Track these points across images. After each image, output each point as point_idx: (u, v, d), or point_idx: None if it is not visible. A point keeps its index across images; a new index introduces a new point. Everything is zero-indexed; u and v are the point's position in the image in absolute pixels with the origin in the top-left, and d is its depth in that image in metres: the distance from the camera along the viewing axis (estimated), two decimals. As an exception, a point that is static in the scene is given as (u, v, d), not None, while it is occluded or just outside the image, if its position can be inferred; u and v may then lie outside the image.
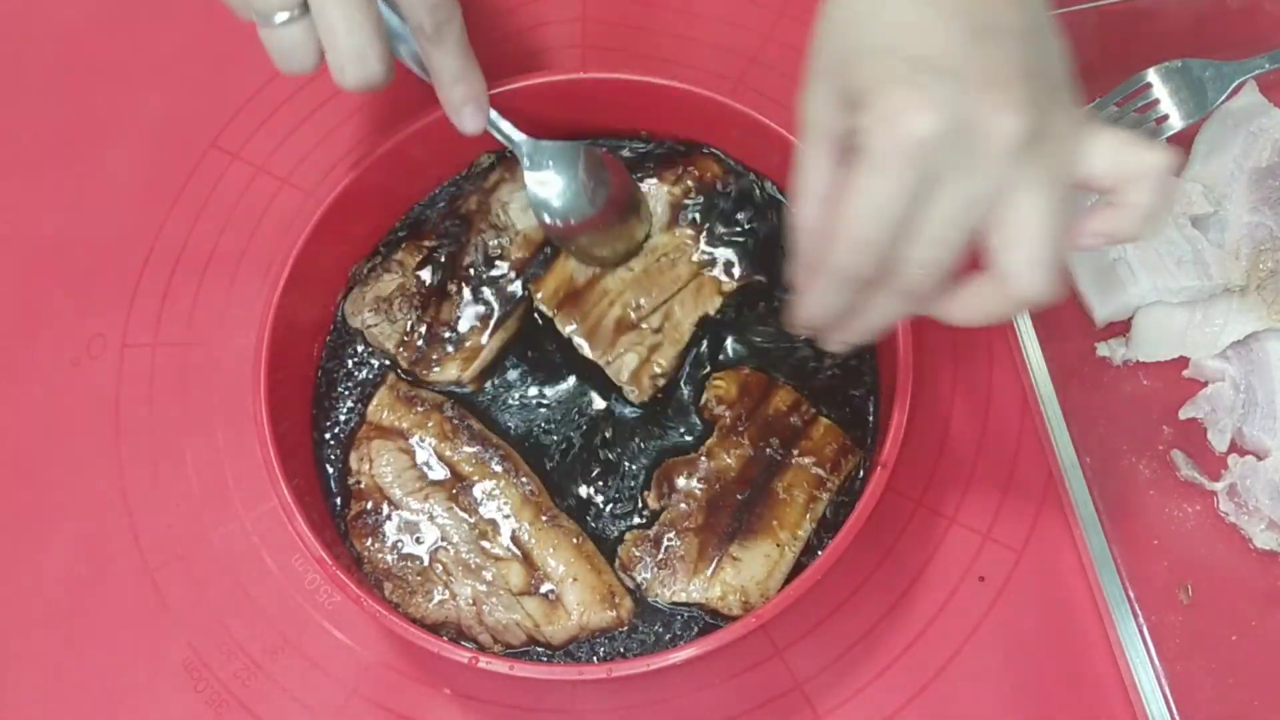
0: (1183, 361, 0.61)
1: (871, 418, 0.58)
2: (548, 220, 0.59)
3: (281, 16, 0.48)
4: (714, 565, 0.54)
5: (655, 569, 0.55)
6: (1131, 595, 0.54)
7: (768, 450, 0.56)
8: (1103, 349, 0.62)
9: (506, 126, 0.58)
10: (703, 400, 0.58)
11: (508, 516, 0.56)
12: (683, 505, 0.55)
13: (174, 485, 0.62)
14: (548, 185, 0.58)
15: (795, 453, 0.56)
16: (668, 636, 0.55)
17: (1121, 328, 0.62)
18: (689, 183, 0.62)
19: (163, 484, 0.62)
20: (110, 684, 0.58)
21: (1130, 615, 0.53)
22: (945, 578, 0.58)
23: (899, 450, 0.53)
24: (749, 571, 0.54)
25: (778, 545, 0.54)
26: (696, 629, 0.55)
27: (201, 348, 0.65)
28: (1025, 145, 0.39)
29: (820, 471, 0.55)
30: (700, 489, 0.56)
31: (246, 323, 0.65)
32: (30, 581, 0.60)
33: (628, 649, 0.55)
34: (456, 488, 0.57)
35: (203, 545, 0.60)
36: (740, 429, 0.57)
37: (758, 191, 0.63)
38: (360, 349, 0.61)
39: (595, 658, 0.55)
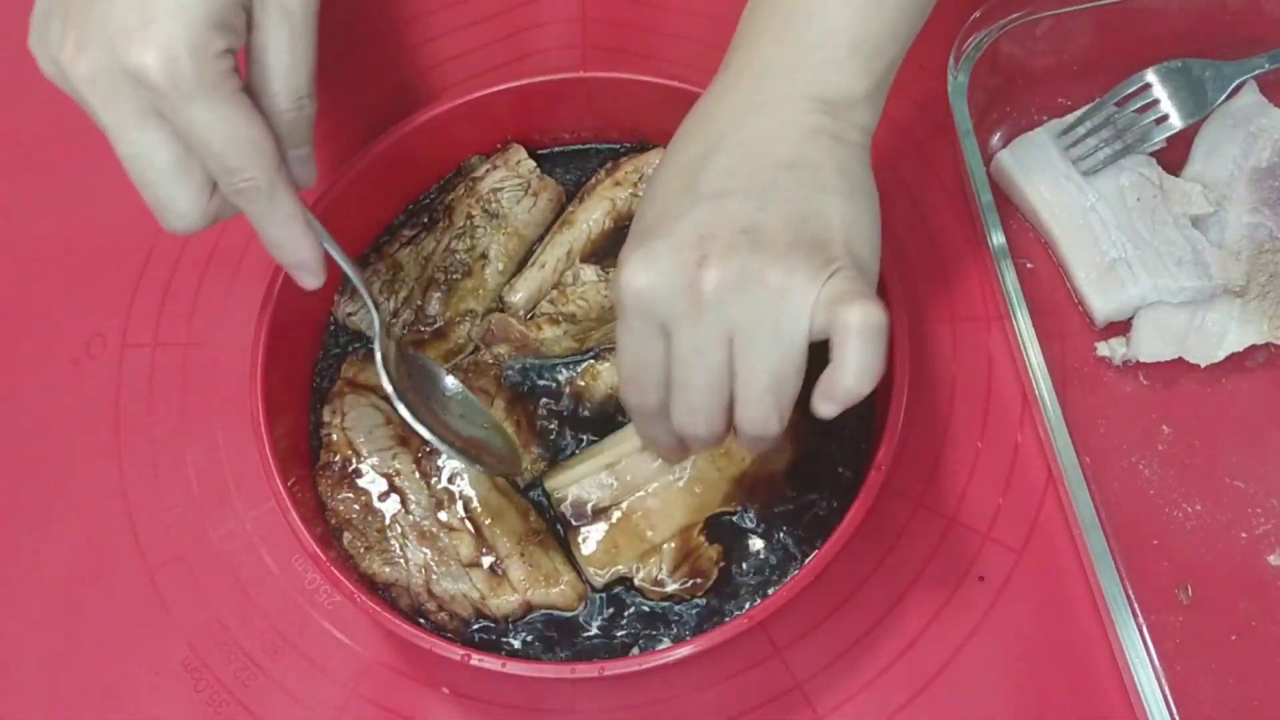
0: (1182, 362, 0.61)
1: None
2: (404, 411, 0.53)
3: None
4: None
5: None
6: (1131, 595, 0.54)
7: None
8: (1103, 349, 0.62)
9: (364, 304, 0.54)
10: None
11: (465, 485, 0.57)
12: None
13: (174, 485, 0.62)
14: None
15: None
16: (649, 632, 0.55)
17: (1121, 328, 0.62)
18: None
19: (163, 484, 0.62)
20: (110, 684, 0.58)
21: (1130, 615, 0.53)
22: (945, 578, 0.58)
23: (896, 451, 0.53)
24: None
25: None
26: (682, 626, 0.55)
27: (201, 348, 0.65)
28: (728, 291, 0.42)
29: None
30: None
31: (246, 323, 0.65)
32: (30, 581, 0.60)
33: (577, 636, 0.55)
34: (421, 451, 0.58)
35: (203, 545, 0.60)
36: None
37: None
38: (359, 347, 0.61)
39: (557, 644, 0.55)
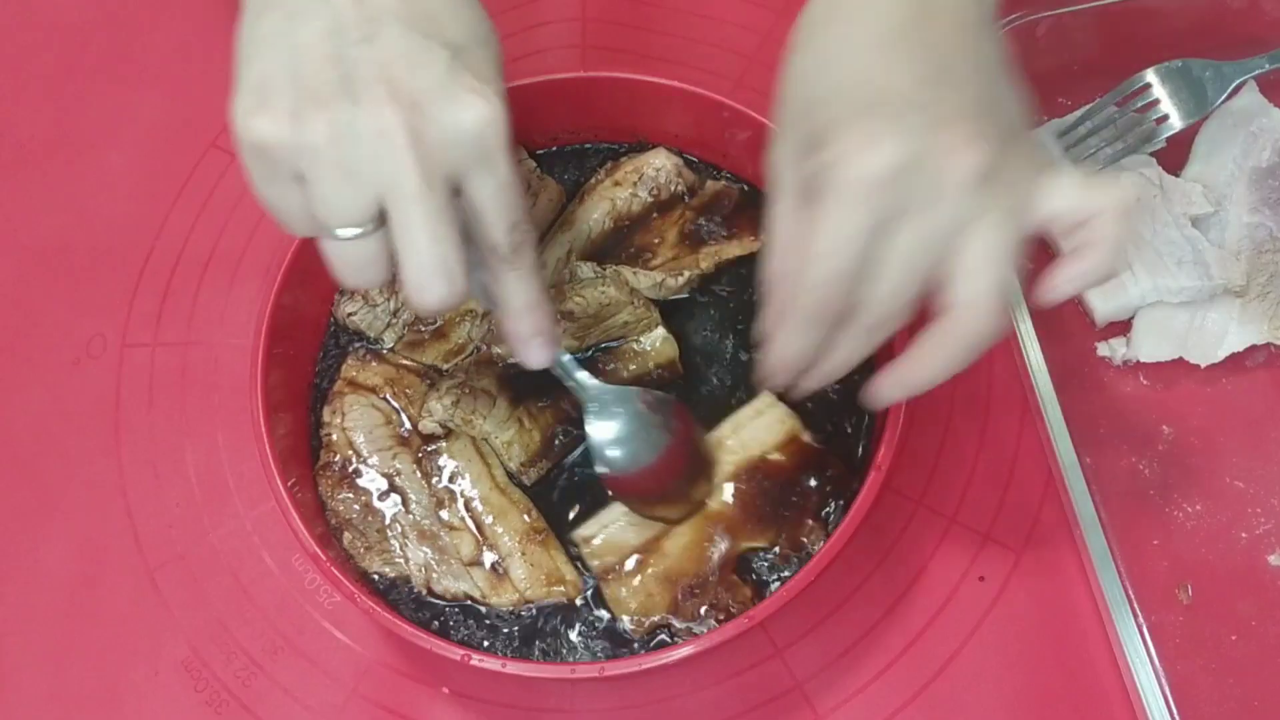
0: (1182, 362, 0.61)
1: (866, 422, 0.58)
2: (607, 472, 0.54)
3: (353, 232, 0.42)
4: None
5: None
6: (1131, 595, 0.54)
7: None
8: (1103, 349, 0.62)
9: (575, 369, 0.53)
10: None
11: (466, 485, 0.57)
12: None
13: (174, 485, 0.62)
14: (611, 432, 0.54)
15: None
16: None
17: (1121, 328, 0.62)
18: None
19: (163, 484, 0.62)
20: (110, 684, 0.58)
21: (1130, 615, 0.53)
22: (945, 578, 0.58)
23: (896, 451, 0.53)
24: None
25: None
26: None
27: (201, 348, 0.65)
28: (983, 180, 0.40)
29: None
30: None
31: (246, 322, 0.65)
32: (30, 581, 0.60)
33: (588, 635, 0.55)
34: (422, 451, 0.58)
35: (203, 545, 0.60)
36: None
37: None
38: (359, 347, 0.61)
39: (568, 641, 0.55)
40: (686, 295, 0.61)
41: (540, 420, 0.58)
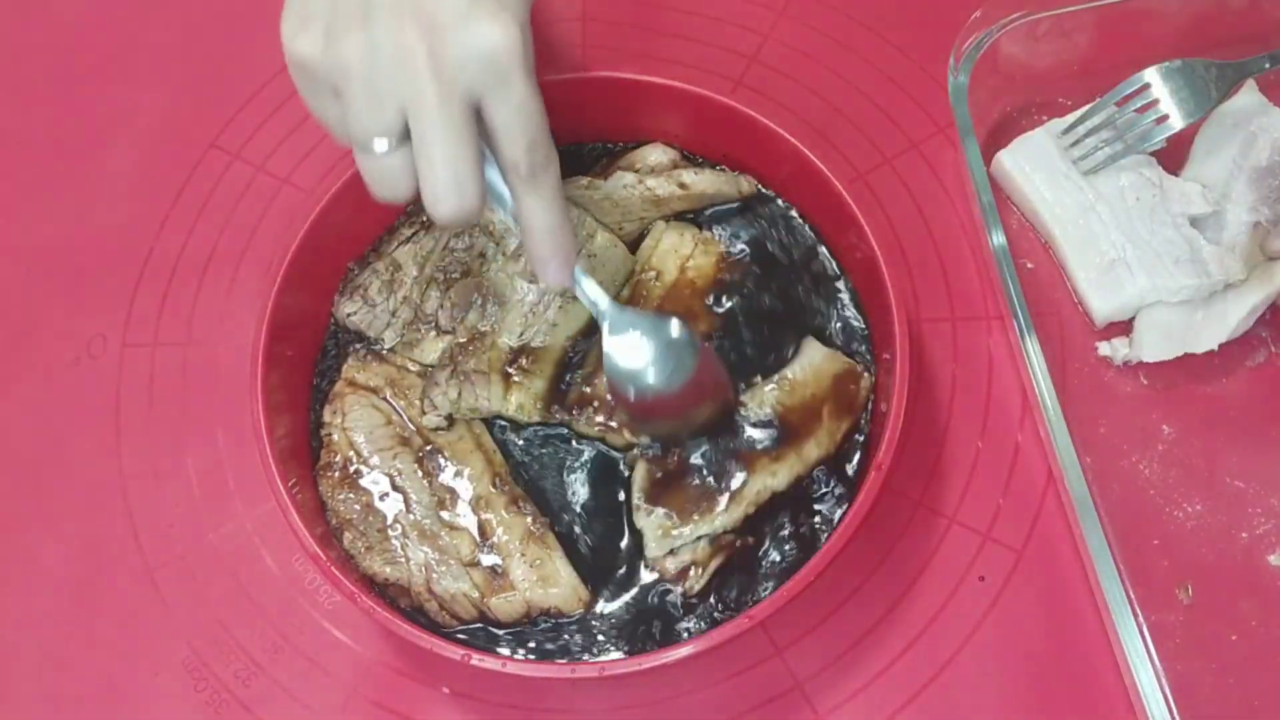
0: (1182, 362, 0.61)
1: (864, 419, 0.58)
2: (626, 394, 0.54)
3: (381, 146, 0.46)
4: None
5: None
6: (1131, 595, 0.54)
7: None
8: (1103, 349, 0.62)
9: (591, 287, 0.52)
10: None
11: (467, 484, 0.57)
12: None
13: (174, 485, 0.62)
14: (630, 355, 0.53)
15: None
16: (641, 629, 0.55)
17: (1121, 328, 0.62)
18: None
19: (163, 484, 0.62)
20: (110, 684, 0.58)
21: (1130, 615, 0.53)
22: (945, 578, 0.58)
23: (896, 450, 0.53)
24: None
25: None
26: (677, 625, 0.55)
27: (201, 348, 0.65)
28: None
29: None
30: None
31: (246, 322, 0.65)
32: (30, 581, 0.60)
33: (589, 641, 0.55)
34: (423, 451, 0.58)
35: (203, 545, 0.60)
36: None
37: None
38: (359, 348, 0.61)
39: (560, 646, 0.55)
40: None
41: (539, 369, 0.58)
